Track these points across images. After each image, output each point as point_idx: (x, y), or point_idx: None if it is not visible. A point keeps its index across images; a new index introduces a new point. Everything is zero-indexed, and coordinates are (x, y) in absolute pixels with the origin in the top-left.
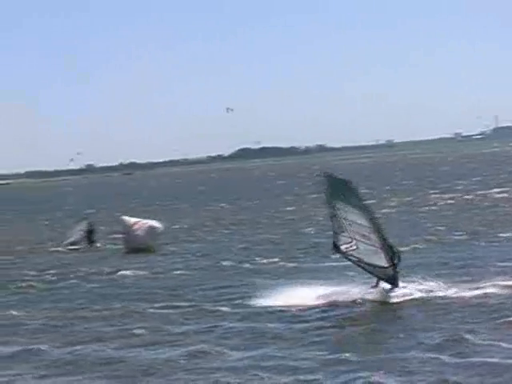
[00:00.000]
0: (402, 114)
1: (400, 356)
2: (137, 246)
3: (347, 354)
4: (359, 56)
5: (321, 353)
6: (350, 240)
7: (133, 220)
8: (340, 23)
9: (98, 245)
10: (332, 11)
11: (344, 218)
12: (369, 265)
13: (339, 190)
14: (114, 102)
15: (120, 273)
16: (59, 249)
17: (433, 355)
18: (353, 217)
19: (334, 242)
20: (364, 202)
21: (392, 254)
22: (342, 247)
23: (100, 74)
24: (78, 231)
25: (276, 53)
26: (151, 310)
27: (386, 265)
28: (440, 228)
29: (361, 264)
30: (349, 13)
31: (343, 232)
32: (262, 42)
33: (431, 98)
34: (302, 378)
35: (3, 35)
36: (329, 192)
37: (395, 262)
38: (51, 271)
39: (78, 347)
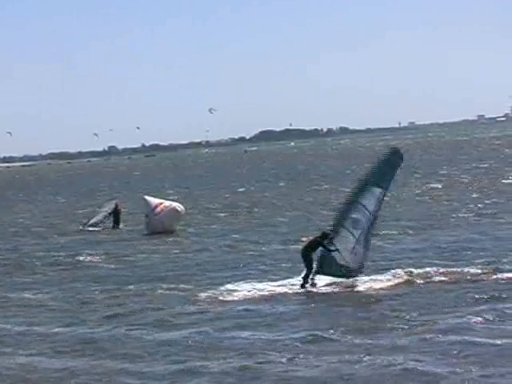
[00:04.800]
0: (424, 95)
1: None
2: (158, 228)
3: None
4: (380, 38)
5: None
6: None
7: (156, 201)
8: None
9: (121, 226)
10: None
11: (361, 204)
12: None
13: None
14: (136, 84)
15: (137, 254)
16: (80, 228)
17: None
18: (369, 202)
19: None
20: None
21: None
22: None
23: (123, 55)
24: (102, 212)
25: (303, 37)
26: (160, 291)
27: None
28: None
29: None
30: None
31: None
32: (291, 28)
33: (454, 80)
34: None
35: None
36: (378, 168)
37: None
38: (68, 252)
39: (90, 329)
